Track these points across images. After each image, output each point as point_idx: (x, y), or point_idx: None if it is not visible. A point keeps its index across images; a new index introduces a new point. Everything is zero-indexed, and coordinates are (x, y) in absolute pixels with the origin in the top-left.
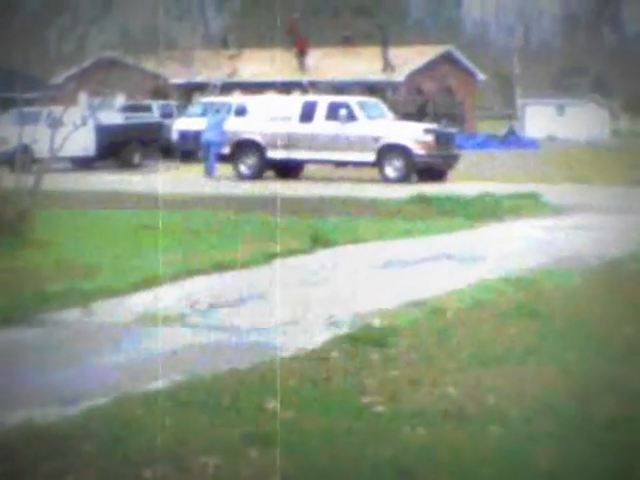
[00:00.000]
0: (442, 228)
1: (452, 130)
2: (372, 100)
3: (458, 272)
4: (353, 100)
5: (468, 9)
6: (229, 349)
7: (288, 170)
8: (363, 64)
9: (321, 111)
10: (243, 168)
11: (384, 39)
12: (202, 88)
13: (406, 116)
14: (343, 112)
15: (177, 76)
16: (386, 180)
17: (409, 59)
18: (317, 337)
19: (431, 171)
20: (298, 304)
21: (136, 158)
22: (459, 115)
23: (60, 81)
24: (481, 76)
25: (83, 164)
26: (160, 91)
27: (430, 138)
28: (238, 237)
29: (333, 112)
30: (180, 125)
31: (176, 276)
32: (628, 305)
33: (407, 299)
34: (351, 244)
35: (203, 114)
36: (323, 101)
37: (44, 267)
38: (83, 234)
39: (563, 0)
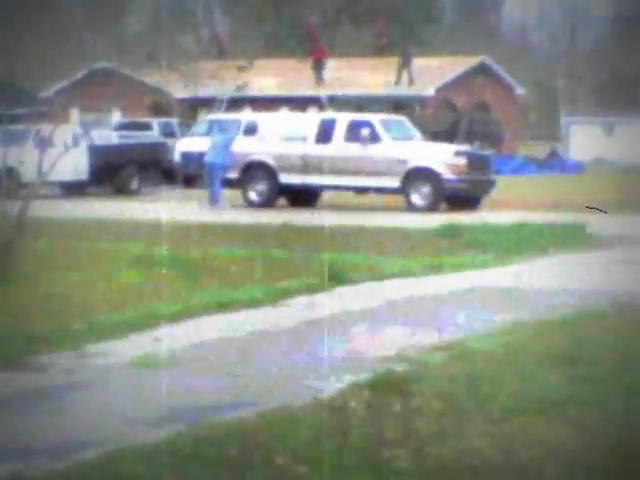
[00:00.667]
0: (474, 263)
1: (487, 152)
2: (397, 118)
3: (490, 312)
4: (376, 118)
5: (506, 14)
6: (236, 396)
7: (303, 197)
8: (387, 77)
9: (340, 130)
10: (253, 195)
11: (405, 49)
12: (208, 104)
13: (435, 136)
14: (365, 132)
15: (180, 90)
16: (412, 208)
17: (439, 70)
18: (332, 384)
19: (463, 198)
20: (311, 346)
21: (134, 183)
22: (495, 135)
23: (49, 95)
24: (520, 90)
25: (75, 189)
26: (161, 107)
27: (462, 161)
28: (246, 273)
29: (354, 132)
30: (183, 146)
31: (176, 316)
32: None
33: (433, 342)
34: (372, 280)
35: (209, 133)
36: (343, 119)
37: (31, 304)
38: (74, 268)
39: (616, 1)
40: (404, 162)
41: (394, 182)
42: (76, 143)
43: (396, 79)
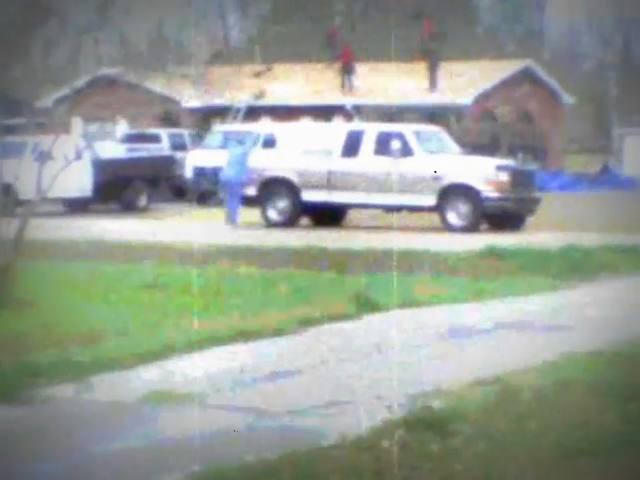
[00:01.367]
0: (518, 289)
1: (531, 167)
2: (432, 129)
3: (537, 343)
4: (408, 129)
5: (553, 14)
6: (257, 435)
7: (328, 216)
8: (420, 83)
9: (369, 143)
10: (273, 213)
11: (432, 51)
12: (222, 113)
13: (475, 149)
14: (396, 144)
15: (191, 99)
16: (449, 229)
17: (478, 77)
18: (364, 422)
19: (505, 218)
20: (341, 381)
21: (142, 200)
22: (540, 148)
23: (48, 104)
24: (568, 99)
25: (77, 207)
26: (170, 117)
27: (504, 177)
28: (268, 299)
29: (384, 144)
30: (195, 159)
31: (191, 346)
32: None
33: (474, 376)
34: (405, 308)
35: (223, 146)
36: (371, 130)
37: (30, 333)
38: (76, 293)
39: None
40: (439, 178)
41: (429, 200)
42: (78, 156)
43: (430, 85)
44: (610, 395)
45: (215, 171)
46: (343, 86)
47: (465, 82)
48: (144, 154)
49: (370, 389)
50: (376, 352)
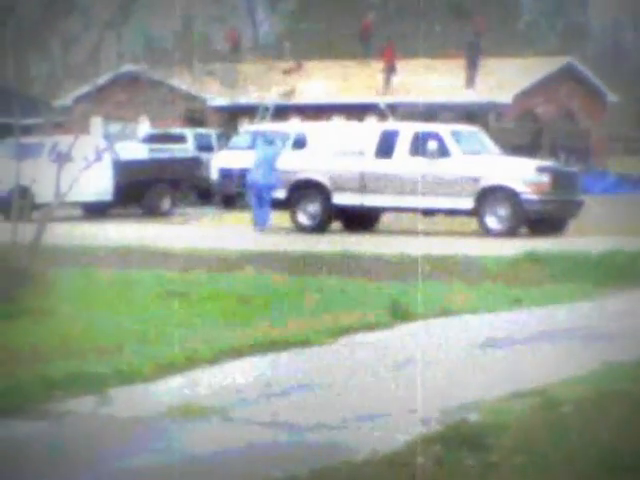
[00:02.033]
0: (558, 296)
1: (574, 168)
2: (470, 129)
3: (577, 353)
4: (445, 129)
5: (596, 9)
6: (284, 450)
7: (360, 220)
8: (457, 81)
9: (404, 143)
10: (303, 217)
11: (471, 46)
12: (250, 112)
13: (514, 150)
14: (432, 145)
15: (218, 97)
16: (488, 233)
17: (518, 74)
18: (398, 436)
19: (546, 221)
20: (373, 393)
21: (165, 204)
22: (583, 148)
23: (68, 103)
24: (612, 97)
25: (97, 211)
26: (196, 116)
27: (546, 179)
28: (296, 307)
29: (419, 145)
30: (221, 161)
31: (217, 356)
32: None
33: (512, 388)
34: (441, 316)
35: (251, 147)
36: (406, 130)
37: (47, 343)
38: (95, 302)
39: None
40: (478, 180)
41: (466, 203)
42: (99, 158)
43: (467, 83)
44: None
45: (242, 173)
46: (384, 85)
47: (504, 80)
48: (168, 155)
49: (404, 402)
50: (410, 363)
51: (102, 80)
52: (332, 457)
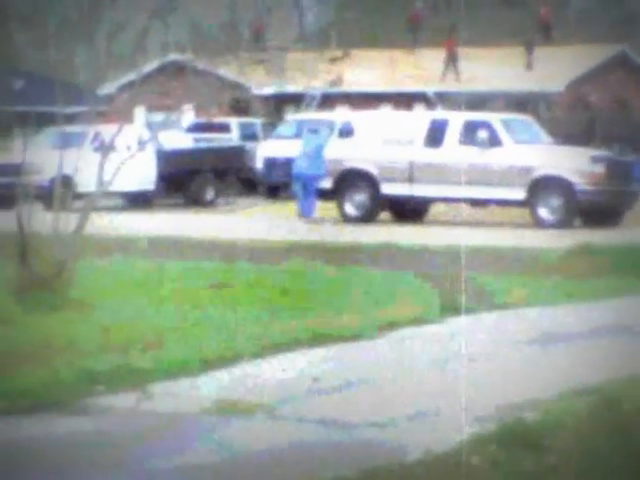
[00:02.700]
0: (614, 290)
1: (629, 158)
2: (521, 118)
3: (637, 349)
4: (496, 118)
5: None
6: (333, 449)
7: (409, 211)
8: (508, 69)
9: (454, 132)
10: (350, 208)
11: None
12: (296, 101)
13: (567, 139)
14: (483, 134)
15: (263, 86)
16: (540, 224)
17: (571, 63)
18: (451, 435)
19: (601, 213)
20: (424, 390)
21: (209, 193)
22: (638, 137)
23: (111, 92)
24: None
25: (140, 201)
26: (241, 105)
27: (600, 169)
28: (344, 299)
29: (470, 134)
30: (266, 150)
31: (262, 351)
32: None
33: (570, 385)
34: (492, 310)
35: (297, 135)
36: (456, 119)
37: (88, 335)
38: (138, 294)
39: None
40: (530, 170)
41: (518, 193)
42: (142, 147)
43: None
44: None
45: (288, 162)
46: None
47: (557, 68)
48: (212, 145)
49: (457, 399)
50: (461, 359)
51: (148, 68)
52: (383, 457)
